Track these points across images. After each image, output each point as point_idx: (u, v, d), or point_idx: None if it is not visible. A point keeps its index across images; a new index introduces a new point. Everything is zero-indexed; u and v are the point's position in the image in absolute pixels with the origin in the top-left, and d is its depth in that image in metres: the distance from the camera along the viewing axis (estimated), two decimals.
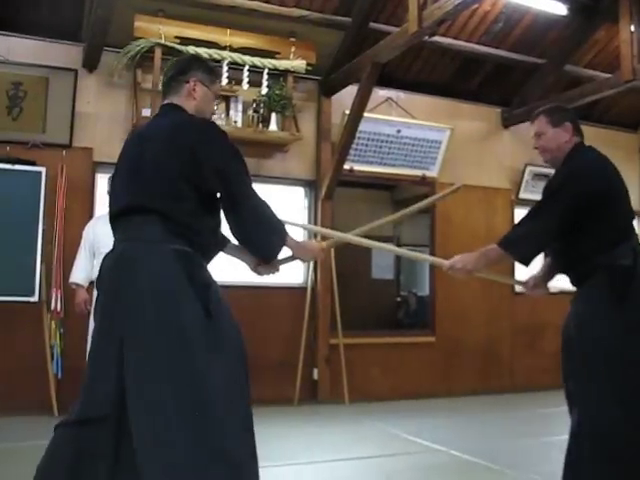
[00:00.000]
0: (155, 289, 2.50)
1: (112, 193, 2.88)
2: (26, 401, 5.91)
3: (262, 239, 2.74)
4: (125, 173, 2.74)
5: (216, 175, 2.63)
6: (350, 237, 3.36)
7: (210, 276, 2.66)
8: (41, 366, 5.96)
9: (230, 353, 2.60)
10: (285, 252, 2.84)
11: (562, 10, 7.27)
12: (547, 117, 3.29)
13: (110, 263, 2.65)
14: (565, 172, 3.20)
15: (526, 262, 3.15)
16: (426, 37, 6.07)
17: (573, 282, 3.22)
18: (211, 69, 2.98)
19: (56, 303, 6.05)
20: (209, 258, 2.76)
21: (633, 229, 3.18)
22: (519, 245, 3.12)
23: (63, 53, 6.47)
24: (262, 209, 2.71)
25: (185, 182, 2.60)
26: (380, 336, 7.65)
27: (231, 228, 2.72)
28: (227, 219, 2.70)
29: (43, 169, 6.11)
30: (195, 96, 2.84)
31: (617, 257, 3.02)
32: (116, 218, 2.71)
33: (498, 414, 4.93)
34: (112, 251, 2.68)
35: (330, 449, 4.79)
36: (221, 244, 2.89)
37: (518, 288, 8.13)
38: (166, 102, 2.88)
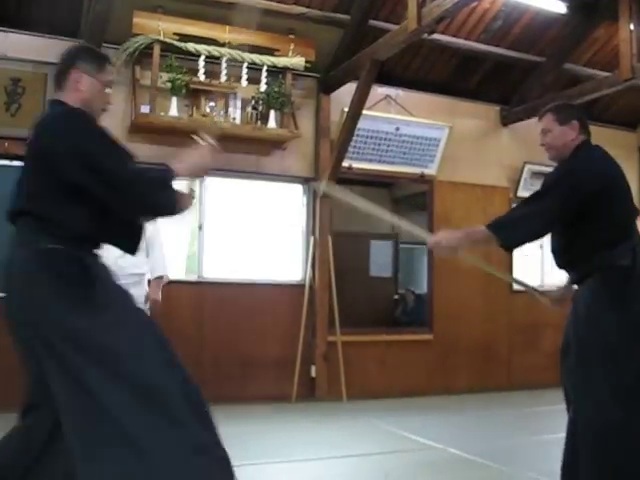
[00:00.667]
0: (19, 292, 2.50)
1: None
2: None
3: (154, 205, 2.60)
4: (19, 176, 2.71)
5: (81, 167, 2.47)
6: (353, 198, 3.33)
7: (93, 270, 2.57)
8: None
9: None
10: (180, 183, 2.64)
11: (561, 8, 7.27)
12: (554, 115, 3.28)
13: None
14: (563, 169, 3.20)
15: (509, 247, 3.16)
16: (425, 35, 6.07)
17: (574, 281, 3.23)
18: (98, 56, 2.81)
19: None
20: (98, 246, 2.66)
21: (634, 228, 3.17)
22: (507, 230, 3.10)
23: (62, 49, 6.38)
24: (135, 182, 2.53)
25: (54, 178, 2.51)
26: (378, 334, 7.65)
27: (118, 210, 2.59)
28: (110, 204, 2.55)
29: None
30: (80, 88, 2.67)
31: (616, 257, 3.01)
32: (10, 221, 2.68)
33: (495, 412, 4.93)
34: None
35: (327, 446, 4.79)
36: (122, 227, 2.70)
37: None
38: (52, 98, 2.76)
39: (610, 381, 2.88)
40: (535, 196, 3.16)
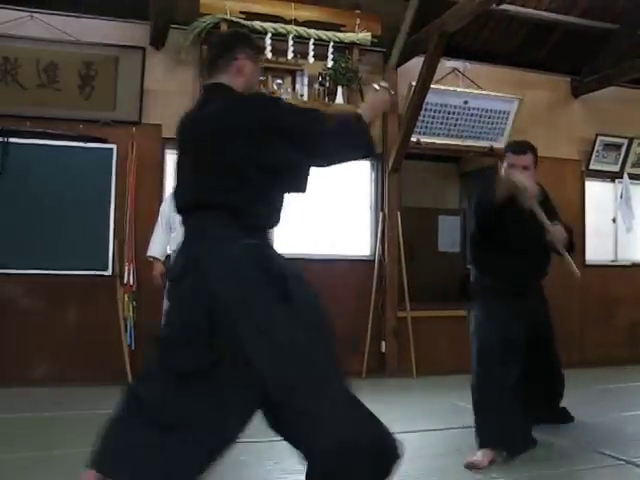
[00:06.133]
0: (228, 291, 2.47)
1: (177, 185, 2.78)
2: (101, 370, 6.11)
3: (351, 151, 2.76)
4: (186, 165, 2.70)
5: (284, 138, 2.54)
6: None
7: (284, 265, 2.60)
8: (116, 337, 6.14)
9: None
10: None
11: None
12: (533, 155, 4.13)
13: (180, 261, 2.63)
14: None
15: None
16: (493, 5, 5.97)
17: None
18: (256, 44, 2.92)
19: (129, 277, 6.22)
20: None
21: None
22: None
23: (131, 32, 6.57)
24: (332, 136, 2.66)
25: (249, 165, 2.52)
26: (448, 309, 7.59)
27: (321, 164, 2.70)
28: (315, 163, 2.68)
29: (114, 146, 6.27)
30: (245, 73, 2.75)
31: None
32: (181, 213, 2.69)
33: (567, 389, 4.86)
34: (181, 247, 2.66)
35: (399, 421, 4.80)
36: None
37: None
38: (212, 82, 2.77)
39: None
40: None
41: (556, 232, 3.94)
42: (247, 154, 2.52)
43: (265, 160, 2.53)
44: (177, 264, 2.66)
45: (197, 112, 2.74)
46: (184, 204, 2.67)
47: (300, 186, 2.68)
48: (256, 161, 2.52)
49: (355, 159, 2.87)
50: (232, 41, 2.84)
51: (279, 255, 2.66)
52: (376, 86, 2.92)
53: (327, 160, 2.69)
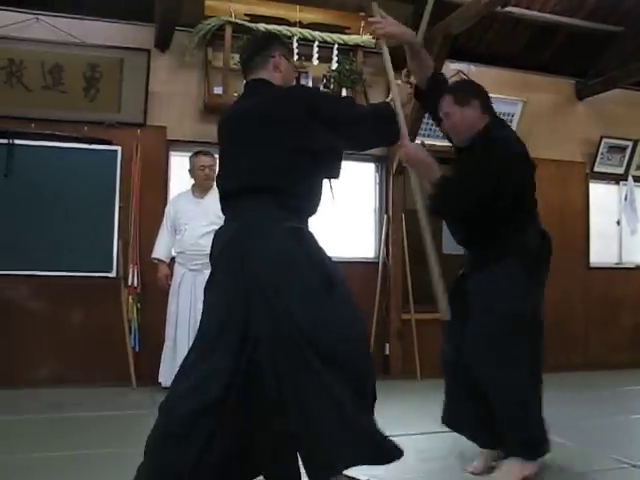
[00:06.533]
0: (273, 271, 2.58)
1: (222, 174, 2.93)
2: (106, 373, 6.13)
3: (382, 136, 3.06)
4: (232, 154, 2.84)
5: (327, 124, 2.75)
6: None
7: (324, 251, 2.78)
8: (120, 339, 6.14)
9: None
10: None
11: None
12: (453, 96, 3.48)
13: (223, 244, 2.73)
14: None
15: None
16: (498, 7, 5.96)
17: None
18: (287, 44, 3.14)
19: (133, 279, 6.22)
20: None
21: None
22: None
23: (136, 34, 6.58)
24: (368, 122, 2.92)
25: (295, 152, 2.69)
26: None
27: (355, 148, 3.05)
28: (350, 147, 2.98)
29: (119, 148, 6.27)
30: (281, 69, 2.93)
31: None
32: (226, 199, 2.81)
33: (573, 392, 4.83)
34: (223, 229, 2.78)
35: (403, 424, 4.81)
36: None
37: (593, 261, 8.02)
38: (253, 77, 2.94)
39: None
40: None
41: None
42: (293, 141, 2.70)
43: (309, 145, 2.73)
44: (218, 245, 2.77)
45: (244, 104, 2.90)
46: (230, 189, 2.80)
47: (336, 171, 2.93)
48: (301, 147, 2.71)
49: (385, 144, 3.27)
50: (267, 41, 3.05)
51: (318, 242, 2.82)
52: (398, 82, 3.28)
53: (362, 145, 3.03)
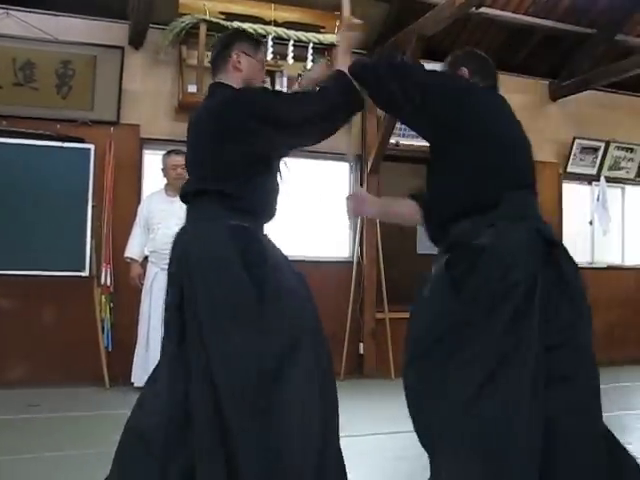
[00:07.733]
0: (206, 265, 2.56)
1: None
2: (78, 372, 6.07)
3: (345, 114, 2.98)
4: (188, 157, 2.89)
5: (274, 126, 2.67)
6: None
7: (268, 250, 2.69)
8: (92, 339, 6.09)
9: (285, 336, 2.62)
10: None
11: None
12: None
13: (172, 244, 2.77)
14: None
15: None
16: (473, 9, 5.99)
17: None
18: (253, 38, 3.03)
19: (106, 278, 6.17)
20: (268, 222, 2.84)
21: None
22: None
23: (110, 31, 6.53)
24: (322, 113, 2.82)
25: (240, 155, 2.66)
26: None
27: (316, 141, 2.94)
28: (310, 142, 2.94)
29: (92, 146, 6.21)
30: (240, 68, 2.84)
31: None
32: (183, 200, 2.81)
33: None
34: (182, 230, 2.77)
35: (376, 423, 4.82)
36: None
37: None
38: (214, 81, 2.91)
39: None
40: None
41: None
42: (238, 145, 2.65)
43: (255, 148, 2.68)
44: (172, 248, 2.78)
45: (200, 108, 2.87)
46: (184, 191, 2.81)
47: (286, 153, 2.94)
48: (247, 151, 2.66)
49: (352, 115, 3.04)
50: (228, 40, 2.95)
51: (270, 241, 2.76)
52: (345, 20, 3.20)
53: (322, 136, 2.93)
